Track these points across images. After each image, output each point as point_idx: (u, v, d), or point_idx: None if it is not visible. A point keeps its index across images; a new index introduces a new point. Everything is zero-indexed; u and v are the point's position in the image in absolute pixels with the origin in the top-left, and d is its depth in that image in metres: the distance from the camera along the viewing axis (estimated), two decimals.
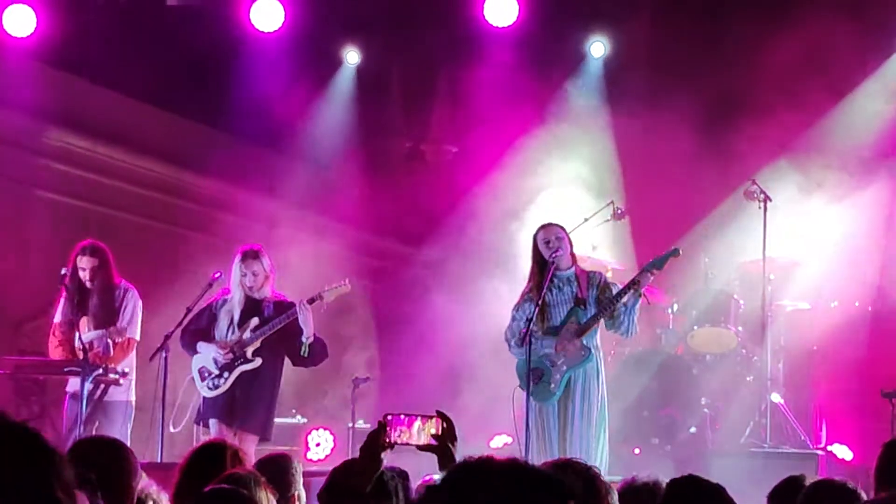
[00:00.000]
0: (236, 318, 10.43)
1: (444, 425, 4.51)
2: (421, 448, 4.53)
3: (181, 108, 14.31)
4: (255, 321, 10.37)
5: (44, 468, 2.40)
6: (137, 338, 10.55)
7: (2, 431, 2.40)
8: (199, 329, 10.54)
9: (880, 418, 11.45)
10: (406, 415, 4.54)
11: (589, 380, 9.79)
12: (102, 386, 10.20)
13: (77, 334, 10.36)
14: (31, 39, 13.11)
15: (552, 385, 9.71)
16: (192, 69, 13.71)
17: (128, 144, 14.02)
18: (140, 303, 10.67)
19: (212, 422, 10.35)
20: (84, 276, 10.52)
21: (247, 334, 10.34)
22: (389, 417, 4.51)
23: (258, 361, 10.31)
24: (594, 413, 9.75)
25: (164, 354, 10.31)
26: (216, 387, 10.35)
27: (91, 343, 10.43)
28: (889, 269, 12.89)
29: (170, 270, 11.52)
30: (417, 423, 4.52)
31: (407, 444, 4.51)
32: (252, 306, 10.46)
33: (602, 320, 9.86)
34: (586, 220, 12.57)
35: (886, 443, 4.25)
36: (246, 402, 10.30)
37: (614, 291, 9.82)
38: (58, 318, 10.63)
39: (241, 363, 10.33)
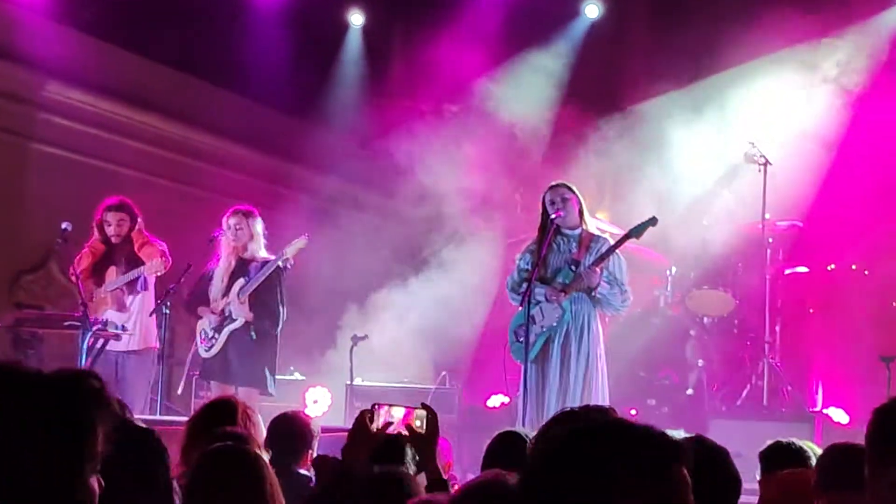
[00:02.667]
0: (226, 279, 10.70)
1: (429, 417, 4.60)
2: (404, 438, 4.65)
3: (183, 64, 14.28)
4: (240, 282, 10.69)
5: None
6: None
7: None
8: (199, 294, 10.95)
9: (877, 382, 11.48)
10: (392, 405, 4.64)
11: (568, 340, 9.80)
12: (102, 340, 10.31)
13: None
14: None
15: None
16: (195, 25, 13.67)
17: (129, 99, 13.99)
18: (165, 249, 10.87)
19: (213, 384, 10.66)
20: (110, 230, 10.66)
21: (232, 295, 10.54)
22: (377, 406, 4.62)
23: (242, 320, 10.60)
24: (574, 372, 9.75)
25: (165, 311, 10.50)
26: (210, 348, 10.76)
27: (121, 289, 10.66)
28: (887, 232, 12.89)
29: (171, 226, 11.51)
30: (403, 414, 4.61)
31: (392, 433, 4.61)
32: (241, 267, 10.76)
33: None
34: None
35: (876, 409, 4.23)
36: (240, 359, 10.68)
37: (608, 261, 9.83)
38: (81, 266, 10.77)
39: (228, 323, 10.70)
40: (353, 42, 15.24)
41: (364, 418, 4.59)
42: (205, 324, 10.81)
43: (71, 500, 2.53)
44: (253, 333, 10.66)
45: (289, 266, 10.72)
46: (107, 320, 10.42)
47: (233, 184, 14.49)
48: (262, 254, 10.76)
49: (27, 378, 2.56)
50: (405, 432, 4.63)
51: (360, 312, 13.66)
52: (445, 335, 13.23)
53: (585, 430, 2.51)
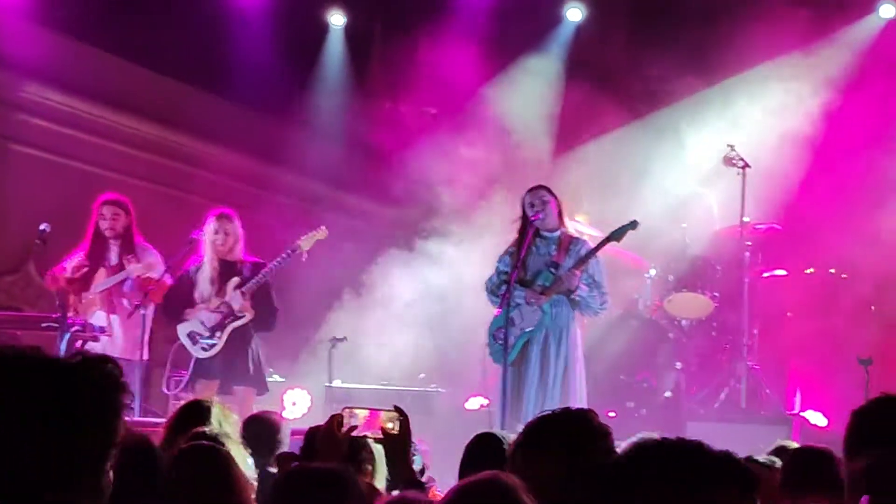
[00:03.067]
0: (217, 280, 10.63)
1: (401, 419, 4.59)
2: (375, 441, 4.65)
3: (162, 66, 14.24)
4: (235, 281, 10.65)
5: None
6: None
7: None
8: (182, 296, 10.80)
9: (855, 385, 11.50)
10: (355, 408, 4.64)
11: (547, 343, 9.83)
12: (80, 342, 10.28)
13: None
14: None
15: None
16: (174, 26, 13.65)
17: (108, 101, 13.95)
18: (160, 260, 10.83)
19: (200, 382, 10.66)
20: (105, 224, 10.65)
21: (231, 293, 10.53)
22: (348, 410, 4.62)
23: (248, 316, 10.64)
24: (552, 375, 9.77)
25: (143, 311, 10.44)
26: (210, 347, 10.70)
27: (108, 290, 10.66)
28: (866, 237, 12.92)
29: (149, 228, 11.47)
30: (366, 415, 4.61)
31: (363, 435, 4.62)
32: (228, 268, 10.74)
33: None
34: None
35: (855, 410, 4.27)
36: (241, 359, 10.67)
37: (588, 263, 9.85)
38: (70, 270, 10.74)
39: (232, 321, 10.66)
40: (335, 43, 15.21)
41: (333, 423, 4.61)
42: (195, 325, 10.68)
43: (96, 488, 2.52)
44: (253, 331, 10.71)
45: (302, 259, 10.72)
46: (86, 322, 10.39)
47: (214, 186, 14.49)
48: (240, 253, 10.78)
49: (50, 365, 2.53)
50: (372, 435, 4.64)
51: (339, 314, 13.66)
52: (425, 338, 13.24)
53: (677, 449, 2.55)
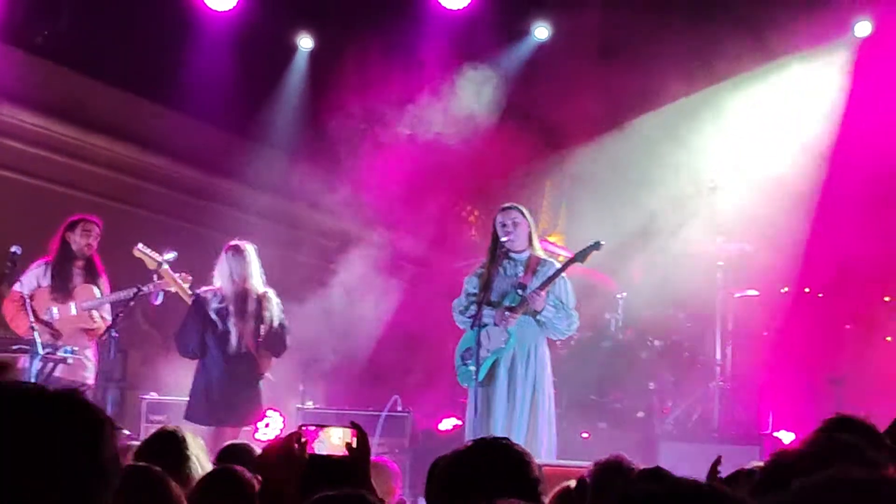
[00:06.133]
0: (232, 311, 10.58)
1: (358, 436, 4.57)
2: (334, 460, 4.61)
3: (136, 86, 14.26)
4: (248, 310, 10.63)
5: (91, 436, 2.41)
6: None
7: (51, 401, 2.42)
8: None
9: (827, 404, 11.54)
10: (319, 426, 4.60)
11: (515, 364, 9.84)
12: (51, 364, 10.20)
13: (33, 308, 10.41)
14: None
15: (473, 368, 9.78)
16: (148, 47, 13.67)
17: (82, 122, 13.98)
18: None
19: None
20: (88, 243, 10.69)
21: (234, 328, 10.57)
22: (303, 429, 4.58)
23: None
24: (520, 395, 9.79)
25: (113, 333, 10.43)
26: None
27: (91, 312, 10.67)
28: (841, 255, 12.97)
29: (122, 250, 11.43)
30: (331, 434, 4.57)
31: (320, 454, 4.58)
32: (242, 298, 10.66)
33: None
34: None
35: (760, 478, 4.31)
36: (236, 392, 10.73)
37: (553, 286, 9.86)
38: (27, 289, 10.67)
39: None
40: (300, 65, 15.21)
41: (290, 442, 4.54)
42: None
43: None
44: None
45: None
46: (56, 344, 10.29)
47: (183, 207, 14.50)
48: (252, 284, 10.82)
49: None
50: (337, 453, 4.58)
51: (310, 334, 13.61)
52: (395, 358, 13.23)
53: None
